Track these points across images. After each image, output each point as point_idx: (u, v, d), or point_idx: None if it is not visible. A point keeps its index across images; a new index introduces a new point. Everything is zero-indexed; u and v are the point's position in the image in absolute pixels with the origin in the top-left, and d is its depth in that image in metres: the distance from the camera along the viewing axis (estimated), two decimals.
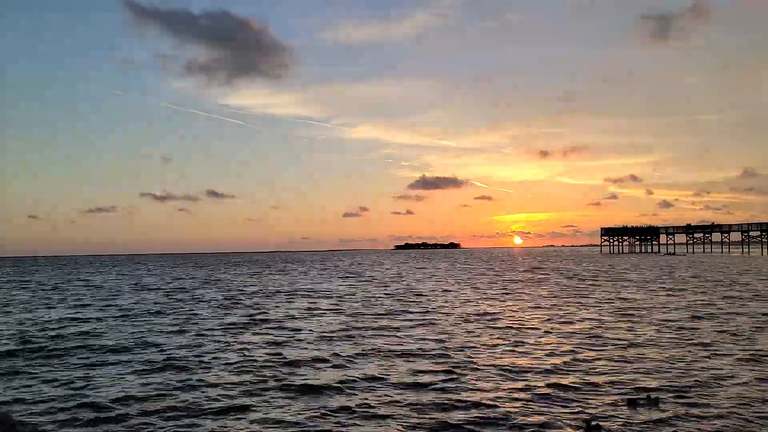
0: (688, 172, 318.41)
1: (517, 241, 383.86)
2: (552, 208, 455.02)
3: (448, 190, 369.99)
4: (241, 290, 40.27)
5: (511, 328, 19.61)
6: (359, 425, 9.65)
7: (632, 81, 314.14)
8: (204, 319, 23.82)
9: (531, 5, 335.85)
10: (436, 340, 17.41)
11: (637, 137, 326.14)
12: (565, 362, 13.95)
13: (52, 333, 20.36)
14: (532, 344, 16.48)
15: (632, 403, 10.39)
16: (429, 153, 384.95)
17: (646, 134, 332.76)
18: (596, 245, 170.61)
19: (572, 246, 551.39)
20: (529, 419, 9.73)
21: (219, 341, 17.98)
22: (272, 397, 11.37)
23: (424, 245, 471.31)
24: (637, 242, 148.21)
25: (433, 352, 15.43)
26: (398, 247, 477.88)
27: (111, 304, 31.41)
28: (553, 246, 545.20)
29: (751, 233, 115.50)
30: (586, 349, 15.61)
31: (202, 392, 11.81)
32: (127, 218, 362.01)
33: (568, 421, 9.55)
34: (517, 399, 10.92)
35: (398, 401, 10.89)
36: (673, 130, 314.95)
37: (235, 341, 17.91)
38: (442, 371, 13.20)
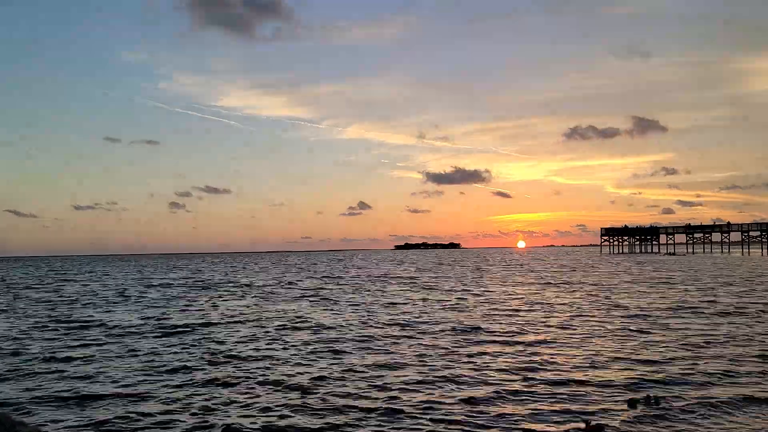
0: (700, 170, 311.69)
1: (521, 244, 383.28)
2: (555, 207, 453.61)
3: (448, 189, 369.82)
4: None
5: (517, 320, 19.56)
6: None
7: (633, 78, 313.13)
8: None
9: (525, 5, 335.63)
10: (402, 323, 17.34)
11: (644, 135, 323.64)
12: (565, 361, 13.89)
13: None
14: (531, 342, 16.44)
15: (633, 403, 10.33)
16: (426, 153, 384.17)
17: (653, 132, 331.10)
18: (596, 245, 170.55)
19: (573, 246, 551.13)
20: (528, 418, 9.67)
21: None
22: None
23: (425, 245, 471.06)
24: (637, 242, 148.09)
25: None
26: (398, 247, 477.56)
27: None
28: (553, 246, 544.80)
29: (751, 233, 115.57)
30: (586, 348, 15.56)
31: None
32: (118, 216, 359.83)
33: (568, 421, 9.50)
34: (516, 398, 10.87)
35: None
36: (682, 128, 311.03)
37: None
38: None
